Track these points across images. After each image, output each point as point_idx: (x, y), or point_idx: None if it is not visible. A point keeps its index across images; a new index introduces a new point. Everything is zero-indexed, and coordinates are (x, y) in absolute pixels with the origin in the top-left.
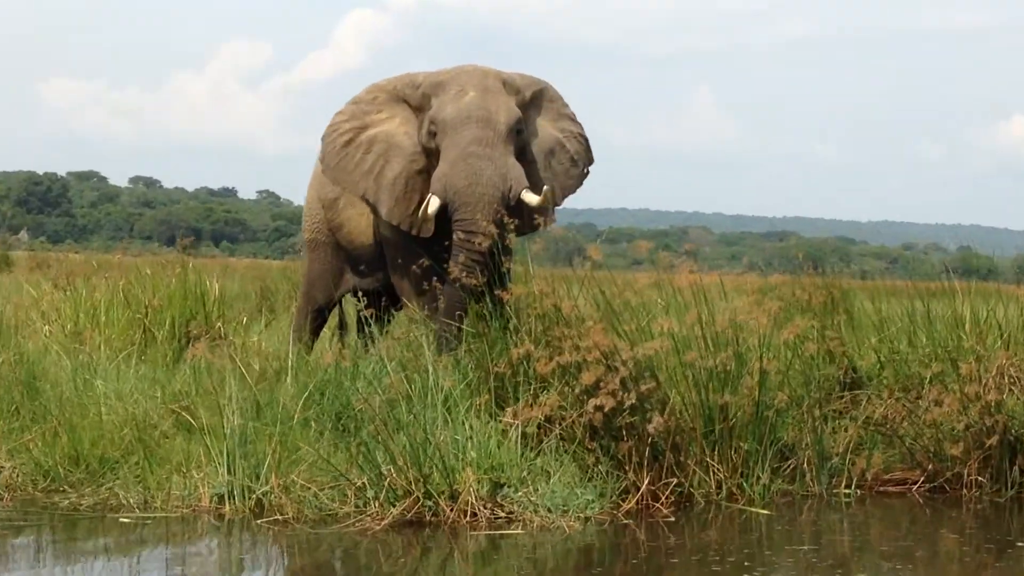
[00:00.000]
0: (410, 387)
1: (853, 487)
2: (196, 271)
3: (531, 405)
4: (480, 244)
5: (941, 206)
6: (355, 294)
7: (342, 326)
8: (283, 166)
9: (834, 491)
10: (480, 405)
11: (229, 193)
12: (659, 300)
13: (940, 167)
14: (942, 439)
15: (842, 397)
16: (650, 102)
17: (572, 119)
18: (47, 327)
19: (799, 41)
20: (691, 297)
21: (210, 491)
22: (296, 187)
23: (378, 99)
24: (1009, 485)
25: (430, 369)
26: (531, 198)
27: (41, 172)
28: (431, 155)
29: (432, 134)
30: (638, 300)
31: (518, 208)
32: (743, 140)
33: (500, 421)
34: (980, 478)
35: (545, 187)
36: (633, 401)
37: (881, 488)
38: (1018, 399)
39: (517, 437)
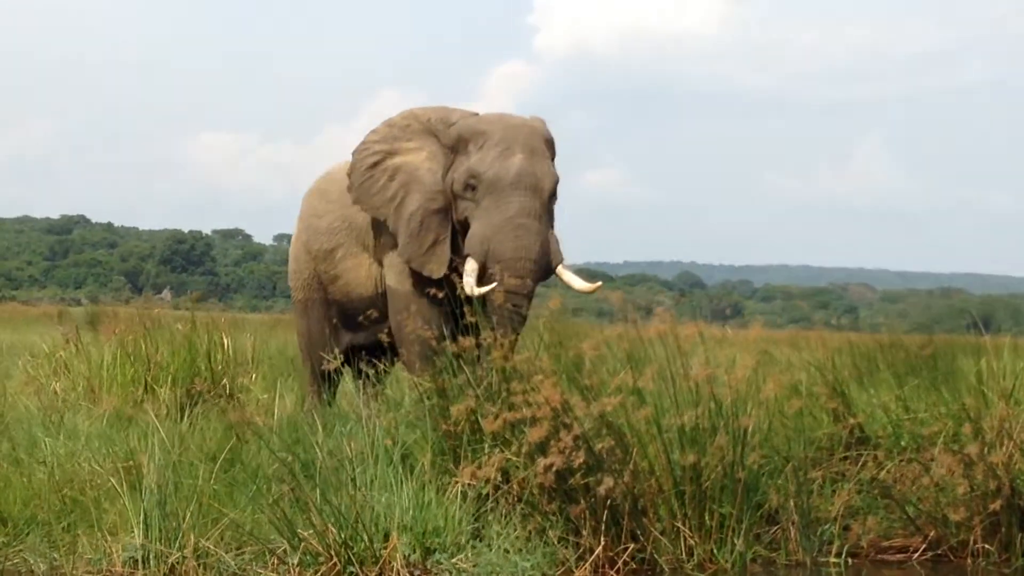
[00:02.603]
0: (349, 446)
1: (844, 554)
2: (207, 327)
3: (479, 465)
4: (525, 310)
5: None
6: (351, 350)
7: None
8: None
9: (823, 559)
10: (425, 464)
11: None
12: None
13: None
14: (944, 503)
15: (846, 458)
16: (814, 152)
17: None
18: (56, 383)
19: (970, 86)
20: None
21: (123, 555)
22: None
23: (411, 127)
24: (1019, 553)
25: (375, 427)
26: (574, 280)
27: (186, 230)
28: (458, 200)
29: (471, 187)
30: (609, 353)
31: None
32: (911, 191)
33: (450, 482)
34: (987, 545)
35: (599, 283)
36: (583, 459)
37: (878, 556)
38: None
39: (457, 499)
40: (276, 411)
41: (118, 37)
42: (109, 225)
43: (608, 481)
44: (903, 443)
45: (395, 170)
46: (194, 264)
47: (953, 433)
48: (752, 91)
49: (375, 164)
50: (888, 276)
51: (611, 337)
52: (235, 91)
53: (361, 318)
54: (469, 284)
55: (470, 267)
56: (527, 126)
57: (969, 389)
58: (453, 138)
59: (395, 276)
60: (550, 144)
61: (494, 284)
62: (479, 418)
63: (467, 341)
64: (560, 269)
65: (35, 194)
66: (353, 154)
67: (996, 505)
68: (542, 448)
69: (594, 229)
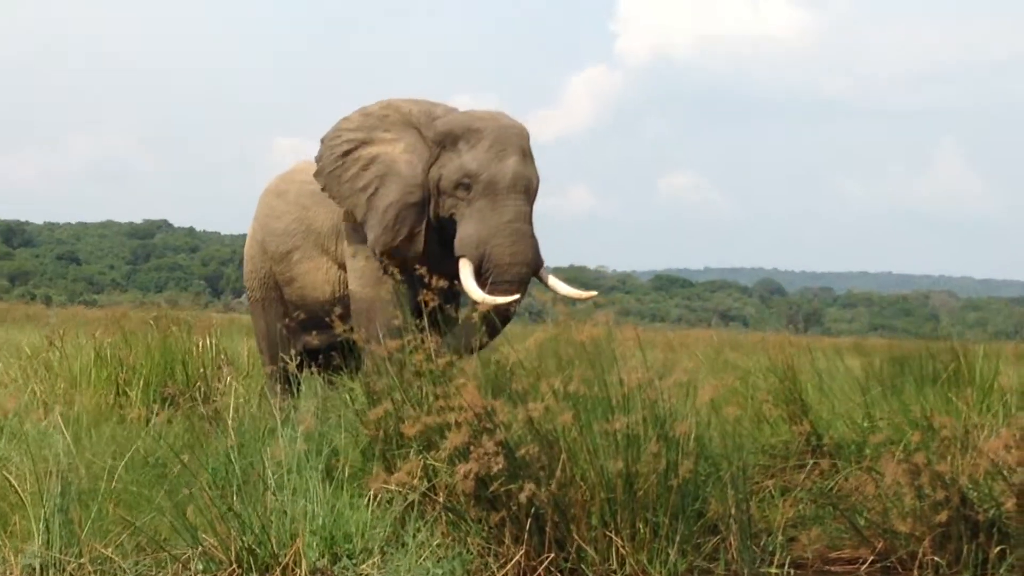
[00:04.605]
0: (265, 450)
1: (787, 566)
2: (187, 327)
3: (391, 471)
4: (512, 313)
5: None
6: (309, 351)
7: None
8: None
9: (765, 570)
10: (344, 468)
11: None
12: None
13: None
14: (895, 514)
15: (801, 466)
16: (893, 158)
17: None
18: (35, 385)
19: None
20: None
21: (22, 562)
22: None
23: (389, 118)
24: (969, 565)
25: (293, 434)
26: (559, 286)
27: None
28: (443, 196)
29: (463, 186)
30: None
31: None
32: (996, 198)
33: (377, 487)
34: (936, 558)
35: (592, 292)
36: (501, 466)
37: (824, 568)
38: (979, 469)
39: (371, 504)
40: (233, 413)
41: (198, 43)
42: (191, 230)
43: (529, 487)
44: (867, 451)
45: (370, 160)
46: None
47: (885, 440)
48: (832, 96)
49: (347, 152)
50: (972, 284)
51: (542, 340)
52: (311, 95)
53: (288, 320)
54: (473, 290)
55: (468, 269)
56: (517, 127)
57: (936, 396)
58: (440, 133)
59: (357, 280)
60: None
61: (496, 302)
62: (402, 422)
63: (393, 343)
64: (542, 272)
65: (119, 199)
66: (323, 140)
67: (943, 516)
68: (464, 454)
69: (675, 235)
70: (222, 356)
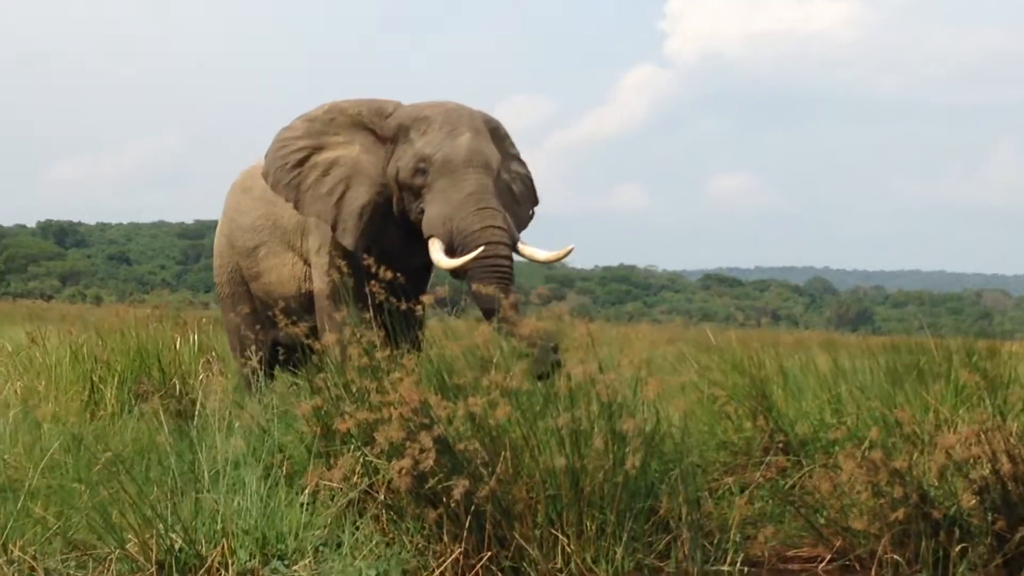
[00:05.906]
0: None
1: (739, 564)
2: (169, 323)
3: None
4: (509, 267)
5: None
6: (276, 347)
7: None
8: (560, 228)
9: (718, 568)
10: (280, 467)
11: None
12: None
13: None
14: (855, 512)
15: (761, 463)
16: (947, 155)
17: (518, 159)
18: (18, 382)
19: None
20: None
21: None
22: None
23: (336, 121)
24: (928, 564)
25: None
26: (537, 252)
27: None
28: (403, 189)
29: (421, 172)
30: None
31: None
32: None
33: (319, 486)
34: (896, 556)
35: (569, 247)
36: (436, 462)
37: (780, 566)
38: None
39: (305, 503)
40: (197, 412)
41: (250, 46)
42: None
43: (463, 484)
44: (835, 448)
45: (329, 164)
46: None
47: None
48: (884, 94)
49: (302, 161)
50: None
51: (488, 334)
52: (361, 95)
53: (248, 314)
54: (443, 260)
55: (437, 245)
56: (467, 109)
57: (910, 392)
58: (392, 127)
59: (321, 278)
60: (494, 130)
61: (470, 255)
62: (337, 418)
63: (330, 338)
64: (520, 245)
65: (171, 200)
66: (268, 154)
67: (900, 514)
68: (400, 450)
69: (726, 234)
70: (212, 352)
